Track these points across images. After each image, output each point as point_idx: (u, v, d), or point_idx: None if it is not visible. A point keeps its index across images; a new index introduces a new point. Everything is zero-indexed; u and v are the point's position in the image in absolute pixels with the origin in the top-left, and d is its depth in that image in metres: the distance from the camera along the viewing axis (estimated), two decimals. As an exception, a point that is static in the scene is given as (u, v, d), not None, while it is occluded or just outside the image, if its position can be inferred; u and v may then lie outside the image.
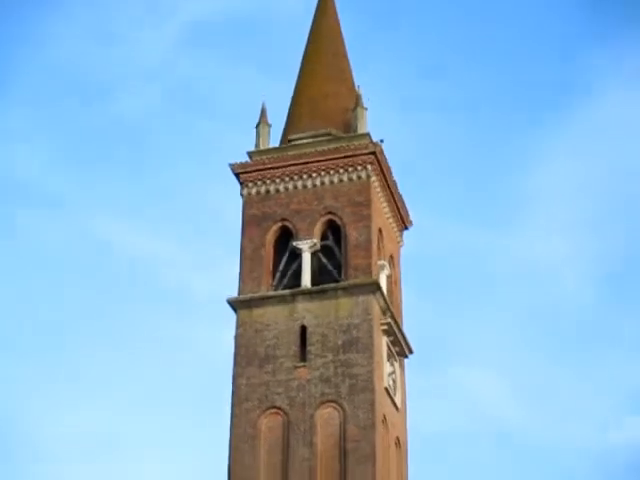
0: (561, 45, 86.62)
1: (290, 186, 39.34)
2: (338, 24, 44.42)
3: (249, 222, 39.26)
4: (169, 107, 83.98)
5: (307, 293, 37.43)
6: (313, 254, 38.54)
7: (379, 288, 37.33)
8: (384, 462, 35.54)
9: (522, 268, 79.44)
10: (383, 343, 37.40)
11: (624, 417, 72.79)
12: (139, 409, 71.21)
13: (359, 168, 38.96)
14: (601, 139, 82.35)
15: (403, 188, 41.80)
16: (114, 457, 69.26)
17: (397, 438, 37.76)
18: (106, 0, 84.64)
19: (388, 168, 40.17)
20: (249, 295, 37.79)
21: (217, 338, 65.76)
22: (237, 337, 37.27)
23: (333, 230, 38.85)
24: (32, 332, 75.80)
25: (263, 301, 37.51)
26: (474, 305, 76.17)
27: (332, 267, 38.23)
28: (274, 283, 38.36)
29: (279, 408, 35.80)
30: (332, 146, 39.52)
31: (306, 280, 37.87)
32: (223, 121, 79.87)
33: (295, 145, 40.24)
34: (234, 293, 38.12)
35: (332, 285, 37.40)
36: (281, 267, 38.64)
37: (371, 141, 39.47)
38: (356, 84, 41.97)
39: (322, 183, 39.12)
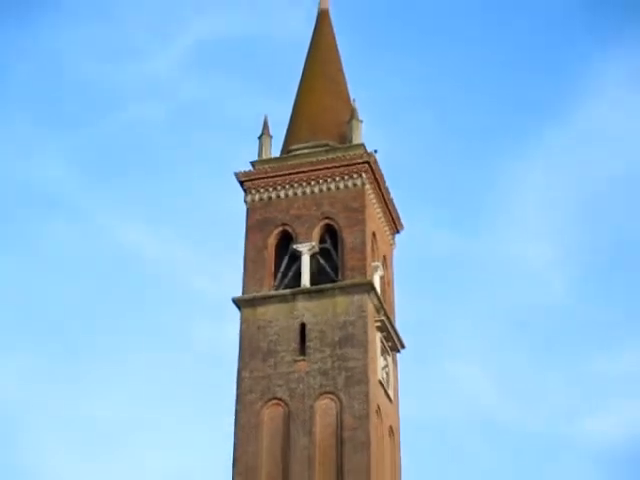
0: (558, 52, 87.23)
1: (290, 193, 40.05)
2: (335, 43, 44.90)
3: (252, 227, 39.82)
4: (178, 120, 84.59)
5: (306, 292, 38.11)
6: (312, 256, 39.17)
7: (373, 288, 37.99)
8: (378, 449, 36.28)
9: (507, 269, 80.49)
10: (377, 339, 38.07)
11: (598, 406, 74.49)
12: (149, 401, 72.90)
13: (354, 176, 39.68)
14: (586, 143, 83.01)
15: (395, 194, 42.52)
16: (122, 445, 71.13)
17: (390, 427, 38.36)
18: (121, 22, 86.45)
19: (381, 176, 40.83)
20: (252, 294, 38.50)
21: (222, 334, 68.21)
22: (241, 333, 37.93)
23: (330, 234, 39.50)
24: (43, 331, 77.37)
25: (265, 300, 38.21)
26: (462, 303, 77.60)
27: (329, 268, 38.90)
28: (276, 283, 39.08)
29: (280, 399, 36.52)
30: (329, 156, 40.21)
31: (305, 280, 38.60)
32: (228, 133, 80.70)
33: (295, 155, 40.89)
34: (238, 292, 38.85)
35: (329, 285, 38.14)
36: (282, 268, 39.33)
37: (365, 151, 40.15)
38: (351, 98, 42.73)
39: (320, 190, 39.80)
